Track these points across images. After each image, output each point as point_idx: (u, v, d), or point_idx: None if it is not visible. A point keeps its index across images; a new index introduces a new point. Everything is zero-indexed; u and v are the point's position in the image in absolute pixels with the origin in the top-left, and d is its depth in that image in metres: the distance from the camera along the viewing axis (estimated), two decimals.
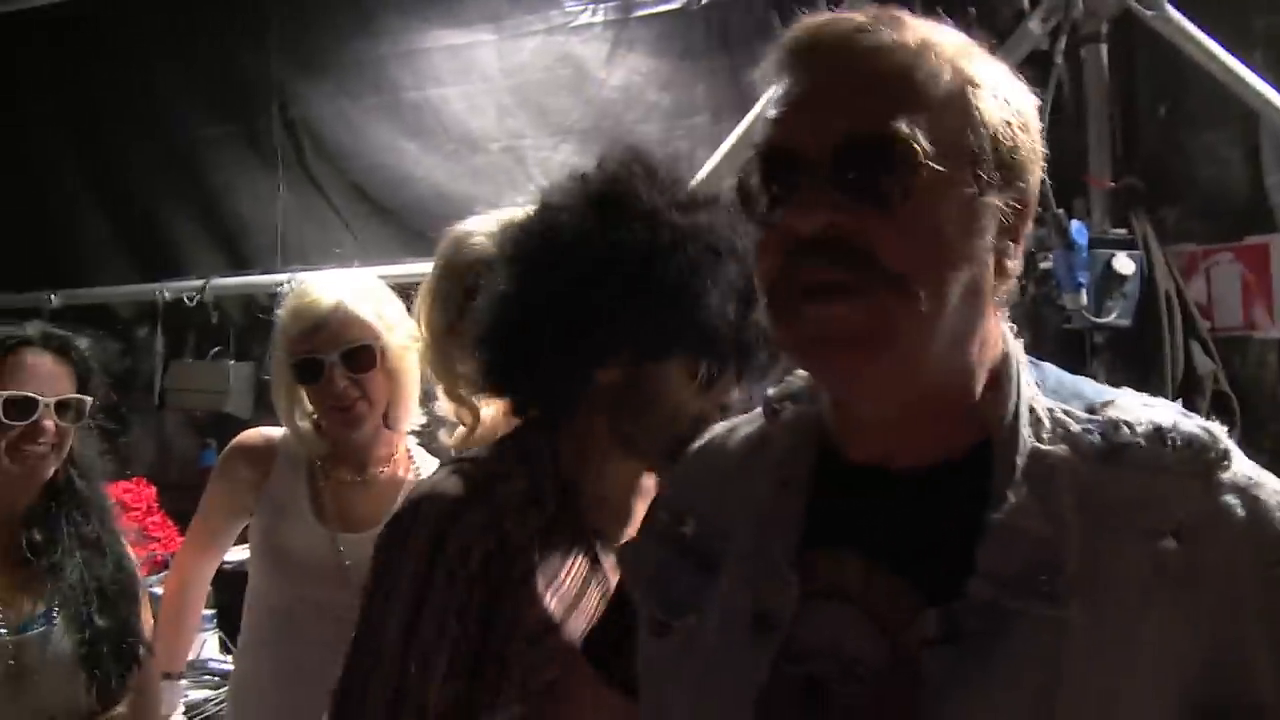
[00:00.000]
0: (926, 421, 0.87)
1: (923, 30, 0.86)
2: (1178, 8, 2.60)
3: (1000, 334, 0.90)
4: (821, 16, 0.88)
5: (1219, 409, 2.58)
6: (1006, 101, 0.86)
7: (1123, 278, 2.54)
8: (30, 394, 1.77)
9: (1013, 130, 0.86)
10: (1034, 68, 2.71)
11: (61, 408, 1.81)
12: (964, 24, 0.92)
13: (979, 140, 0.84)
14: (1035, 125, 0.88)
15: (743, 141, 3.01)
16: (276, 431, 2.06)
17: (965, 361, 0.87)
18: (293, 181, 3.80)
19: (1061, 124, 2.71)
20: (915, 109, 0.82)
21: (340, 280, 1.94)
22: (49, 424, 1.78)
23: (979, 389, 0.87)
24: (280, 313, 1.97)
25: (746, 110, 3.05)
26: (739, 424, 1.06)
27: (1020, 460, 0.83)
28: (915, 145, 0.81)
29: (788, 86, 0.86)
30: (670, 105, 3.32)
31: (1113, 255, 2.54)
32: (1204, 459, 0.83)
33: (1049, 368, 0.93)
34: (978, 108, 0.84)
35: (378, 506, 1.91)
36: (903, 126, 0.81)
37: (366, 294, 1.93)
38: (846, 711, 0.84)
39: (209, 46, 3.86)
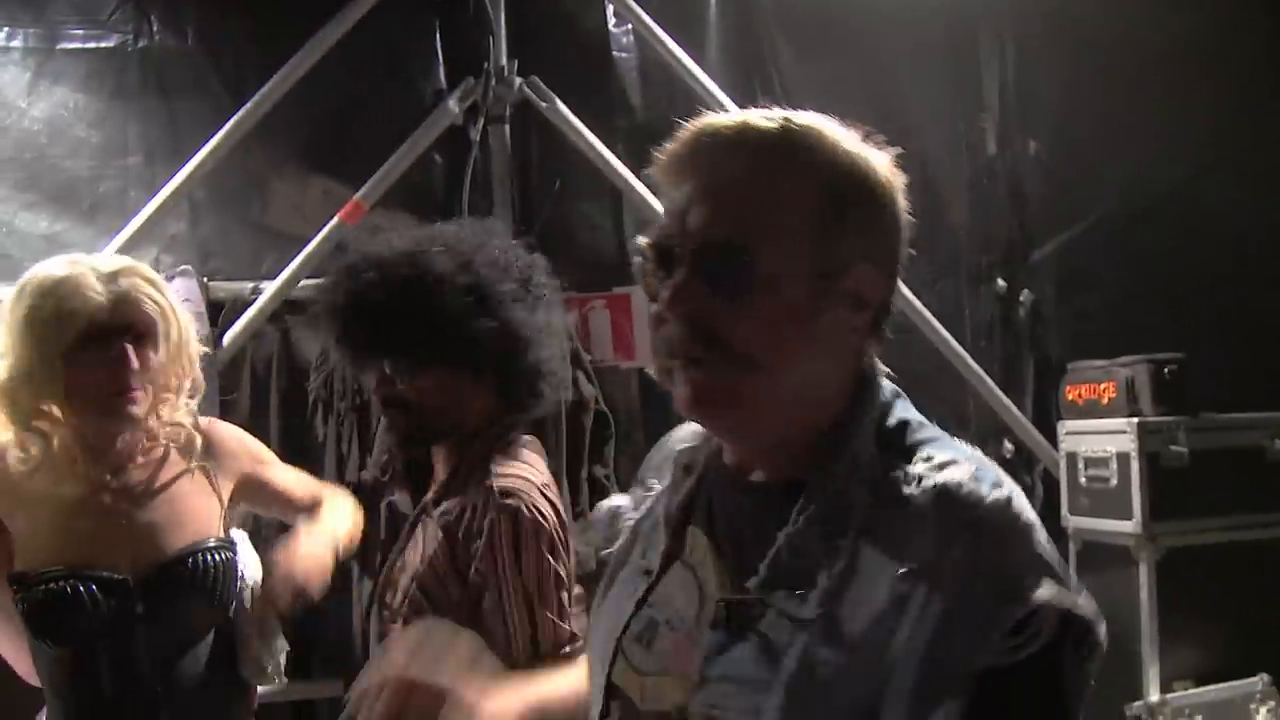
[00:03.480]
0: (777, 452, 1.00)
1: (786, 136, 0.95)
2: (564, 102, 3.04)
3: (848, 384, 0.99)
4: (698, 124, 0.97)
5: (599, 423, 3.04)
6: (853, 187, 0.95)
7: None
8: None
9: (885, 215, 0.97)
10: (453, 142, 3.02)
11: None
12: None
13: (806, 240, 0.93)
14: (898, 201, 0.98)
15: (185, 188, 2.98)
16: None
17: (813, 410, 0.98)
18: None
19: (474, 190, 3.03)
20: (765, 211, 0.93)
21: None
22: None
23: (824, 426, 0.98)
24: None
25: (182, 155, 3.02)
26: None
27: (825, 493, 0.94)
28: (750, 252, 0.92)
29: (668, 183, 0.98)
30: (100, 143, 3.15)
31: None
32: (961, 515, 0.89)
33: (904, 411, 1.01)
34: (810, 215, 0.93)
35: None
36: (752, 234, 0.93)
37: None
38: (662, 651, 1.02)
39: None
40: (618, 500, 1.26)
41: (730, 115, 0.98)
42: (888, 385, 1.02)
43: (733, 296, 0.93)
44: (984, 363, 3.49)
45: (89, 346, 1.66)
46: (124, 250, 3.00)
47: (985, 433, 3.53)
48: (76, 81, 3.15)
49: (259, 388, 3.14)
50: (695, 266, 0.94)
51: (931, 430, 1.00)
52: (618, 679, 1.05)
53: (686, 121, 0.97)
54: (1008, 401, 3.49)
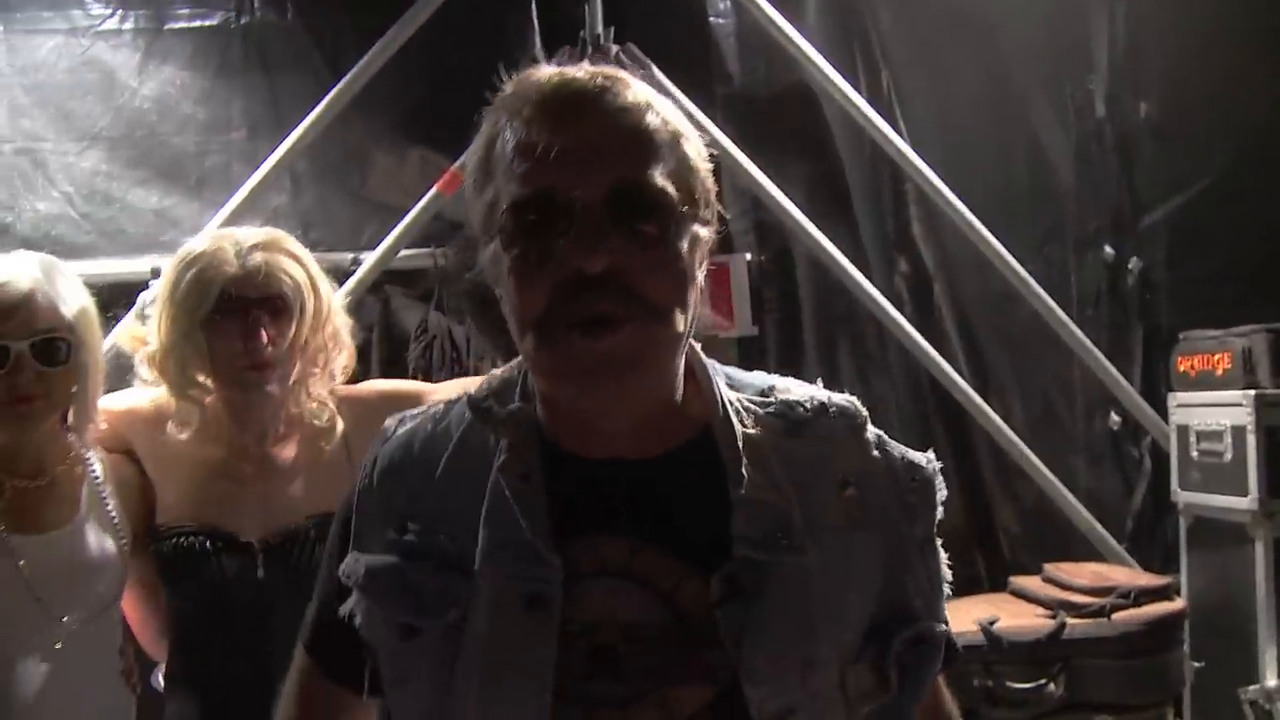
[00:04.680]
0: (653, 421, 0.94)
1: (640, 88, 0.92)
2: (660, 70, 2.97)
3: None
4: (552, 72, 0.92)
5: None
6: (699, 145, 0.95)
7: None
8: None
9: (705, 169, 0.94)
10: None
11: None
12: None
13: (695, 182, 0.92)
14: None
15: (287, 161, 2.99)
16: None
17: (678, 370, 0.95)
18: None
19: None
20: (660, 160, 0.89)
21: (36, 263, 1.67)
22: None
23: (681, 390, 0.96)
24: None
25: (283, 129, 3.04)
26: (415, 426, 1.03)
27: (738, 443, 0.93)
28: (669, 194, 0.88)
29: (541, 136, 0.88)
30: (206, 119, 3.20)
31: None
32: (854, 423, 0.99)
33: (720, 365, 1.03)
34: (689, 154, 0.92)
35: (60, 507, 1.70)
36: (658, 178, 0.88)
37: (65, 282, 1.69)
38: (640, 671, 0.89)
39: None
40: (378, 557, 0.97)
41: (565, 68, 0.93)
42: None
43: (655, 244, 0.88)
44: (1091, 332, 3.33)
45: (224, 317, 1.69)
46: (228, 224, 3.05)
47: (1092, 404, 3.40)
48: (183, 60, 3.19)
49: (360, 357, 3.14)
50: (611, 214, 0.86)
51: (730, 368, 1.03)
52: None
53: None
54: (1115, 372, 3.33)
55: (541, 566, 0.89)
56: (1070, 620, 2.71)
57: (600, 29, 3.04)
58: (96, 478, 1.75)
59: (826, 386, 1.03)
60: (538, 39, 3.10)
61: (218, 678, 1.72)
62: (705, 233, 0.93)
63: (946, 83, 3.37)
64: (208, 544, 1.70)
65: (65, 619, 1.64)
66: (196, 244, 1.74)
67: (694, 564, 0.90)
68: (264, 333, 1.68)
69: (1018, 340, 3.38)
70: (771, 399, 0.98)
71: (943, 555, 1.02)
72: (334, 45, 3.16)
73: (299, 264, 1.74)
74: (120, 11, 3.17)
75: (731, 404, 0.96)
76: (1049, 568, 3.02)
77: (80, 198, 3.14)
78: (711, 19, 3.30)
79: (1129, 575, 3.01)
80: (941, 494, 1.01)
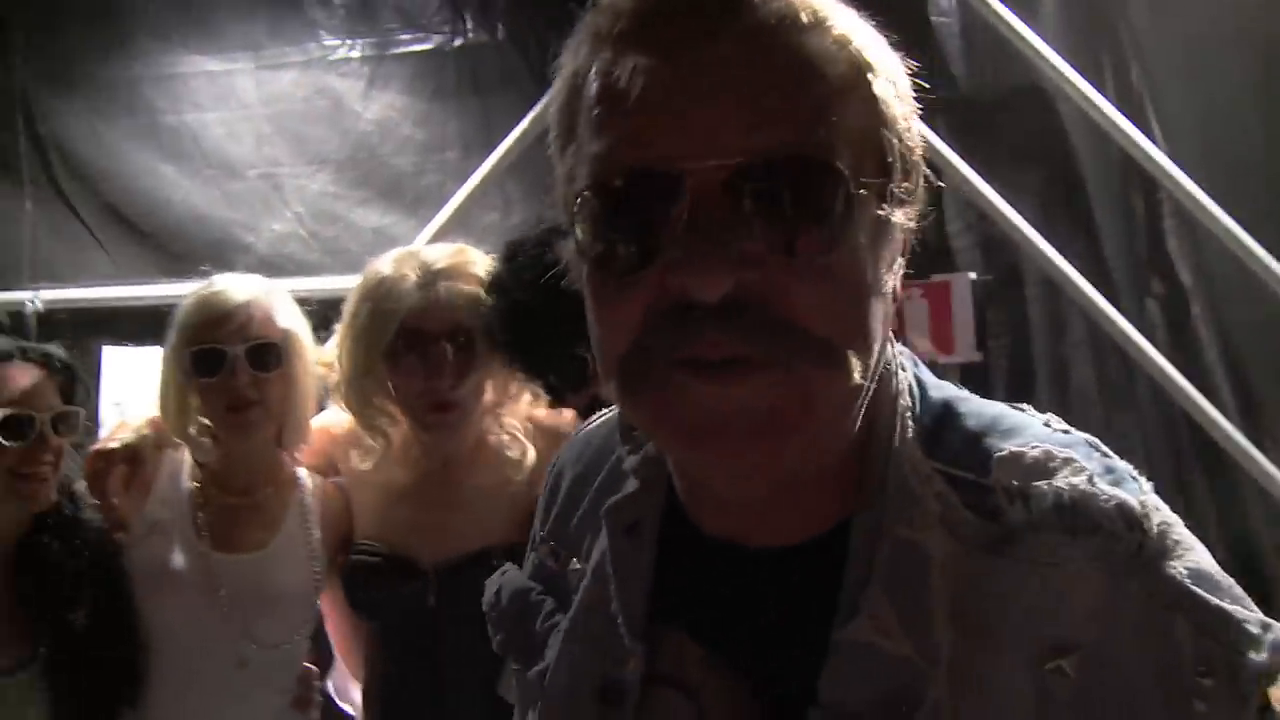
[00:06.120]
0: (797, 494, 0.64)
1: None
2: None
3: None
4: None
5: None
6: (898, 77, 0.63)
7: None
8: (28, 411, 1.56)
9: (909, 123, 0.63)
10: None
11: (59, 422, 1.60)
12: None
13: (887, 140, 0.61)
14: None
15: (496, 174, 2.99)
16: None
17: (856, 415, 0.63)
18: (41, 198, 3.50)
19: None
20: (831, 108, 0.57)
21: (254, 280, 1.74)
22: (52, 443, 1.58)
23: (854, 442, 0.65)
24: (181, 307, 1.72)
25: (493, 148, 3.04)
26: (600, 423, 0.83)
27: (884, 551, 0.61)
28: (840, 166, 0.57)
29: (636, 68, 0.57)
30: (423, 140, 3.30)
31: None
32: (1116, 546, 0.59)
33: (954, 400, 0.67)
34: (880, 95, 0.61)
35: (259, 531, 1.71)
36: (825, 139, 0.57)
37: (280, 298, 1.73)
38: None
39: None
40: (521, 578, 0.83)
41: None
42: (898, 351, 0.66)
43: (816, 246, 0.56)
44: None
45: (407, 349, 1.61)
46: (435, 240, 3.08)
47: None
48: (403, 84, 3.31)
49: None
50: (742, 200, 0.55)
51: (978, 403, 0.65)
52: None
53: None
54: None
55: (623, 654, 0.68)
56: None
57: None
58: (305, 503, 1.74)
59: (1060, 420, 0.67)
60: None
61: (394, 699, 1.69)
62: (901, 216, 0.61)
63: (1208, 77, 2.95)
64: (381, 567, 1.66)
65: (249, 641, 1.64)
66: (380, 267, 1.65)
67: (779, 712, 0.63)
68: (447, 371, 1.59)
69: None
70: (967, 480, 0.62)
71: None
72: (541, 63, 3.14)
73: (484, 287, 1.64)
74: (349, 41, 3.33)
75: (909, 478, 0.63)
76: None
77: (309, 218, 3.31)
78: (934, 18, 3.05)
79: None
80: (1268, 685, 0.59)
